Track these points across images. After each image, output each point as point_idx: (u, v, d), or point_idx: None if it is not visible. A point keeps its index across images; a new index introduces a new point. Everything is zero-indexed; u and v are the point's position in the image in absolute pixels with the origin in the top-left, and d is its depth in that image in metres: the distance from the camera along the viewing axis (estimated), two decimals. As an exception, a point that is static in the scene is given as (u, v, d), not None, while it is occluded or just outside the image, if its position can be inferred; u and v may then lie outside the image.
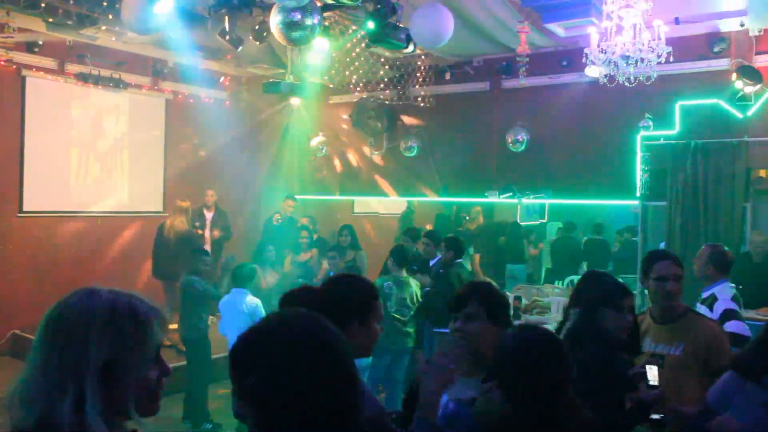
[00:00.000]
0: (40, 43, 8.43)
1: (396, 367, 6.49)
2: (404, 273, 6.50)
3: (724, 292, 4.67)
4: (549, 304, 7.85)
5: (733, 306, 4.54)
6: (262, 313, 6.06)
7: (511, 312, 7.17)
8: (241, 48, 7.08)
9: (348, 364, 1.41)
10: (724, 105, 7.24)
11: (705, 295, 4.81)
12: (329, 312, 1.56)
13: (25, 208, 8.71)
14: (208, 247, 8.61)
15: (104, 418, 1.30)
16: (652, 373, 2.74)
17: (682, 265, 3.49)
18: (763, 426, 2.59)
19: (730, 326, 4.40)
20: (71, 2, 6.53)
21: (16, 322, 8.38)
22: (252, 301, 6.18)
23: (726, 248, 5.03)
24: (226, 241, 9.47)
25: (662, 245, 7.88)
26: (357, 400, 1.39)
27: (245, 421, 1.40)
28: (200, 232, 9.02)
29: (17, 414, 1.30)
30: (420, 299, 6.60)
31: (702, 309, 4.73)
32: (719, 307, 4.59)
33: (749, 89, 6.98)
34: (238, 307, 6.07)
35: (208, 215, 9.40)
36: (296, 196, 10.40)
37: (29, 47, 8.43)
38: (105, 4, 6.58)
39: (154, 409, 1.41)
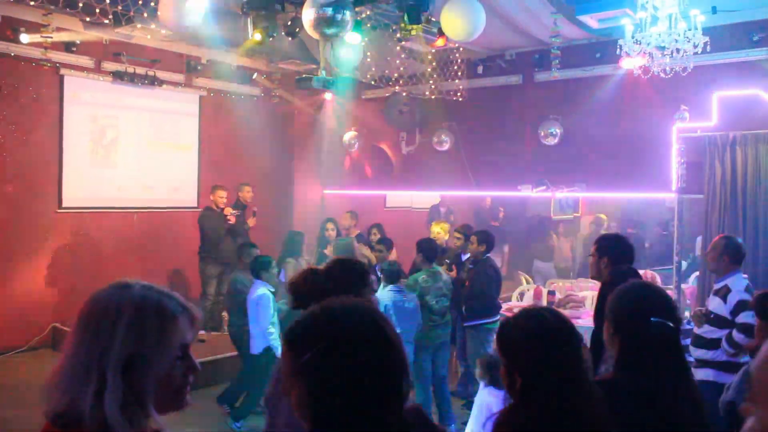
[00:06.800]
0: (78, 42, 8.58)
1: (440, 363, 6.49)
2: (434, 264, 6.53)
3: (738, 283, 4.75)
4: (583, 298, 7.80)
5: (747, 297, 4.61)
6: None
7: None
8: (270, 40, 6.92)
9: (401, 354, 1.42)
10: (764, 95, 7.08)
11: (718, 285, 4.88)
12: None
13: (64, 204, 8.90)
14: None
15: (126, 412, 1.32)
16: None
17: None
18: None
19: (744, 317, 4.42)
20: (107, 1, 6.62)
21: (56, 315, 8.58)
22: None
23: (740, 240, 5.03)
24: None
25: (698, 239, 7.76)
26: (405, 389, 1.41)
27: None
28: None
29: (52, 399, 1.34)
30: (452, 287, 6.62)
31: (715, 300, 4.76)
32: (733, 299, 4.68)
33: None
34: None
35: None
36: (326, 191, 10.50)
37: (67, 47, 8.57)
38: (140, 2, 6.66)
39: (180, 404, 1.44)
